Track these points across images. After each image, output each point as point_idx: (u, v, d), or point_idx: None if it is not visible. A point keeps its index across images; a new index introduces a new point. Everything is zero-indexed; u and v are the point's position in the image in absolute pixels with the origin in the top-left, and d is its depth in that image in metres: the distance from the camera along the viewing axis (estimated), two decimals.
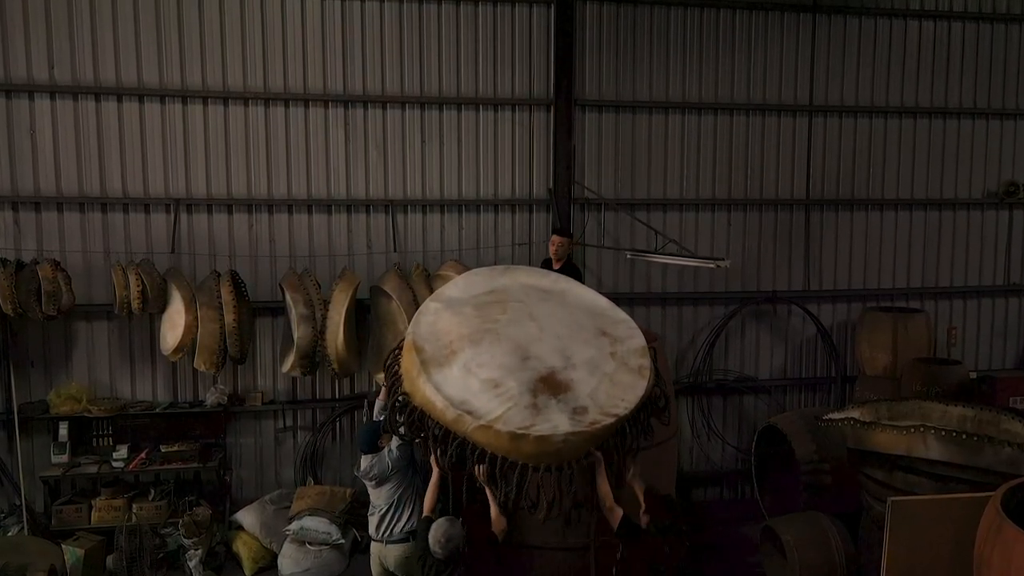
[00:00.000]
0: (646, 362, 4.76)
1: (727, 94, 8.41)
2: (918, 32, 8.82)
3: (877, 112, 8.78)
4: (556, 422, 4.28)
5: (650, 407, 4.71)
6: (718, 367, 8.67)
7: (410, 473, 5.46)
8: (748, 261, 8.59)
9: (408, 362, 4.60)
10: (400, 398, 4.60)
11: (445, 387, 4.42)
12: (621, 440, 4.46)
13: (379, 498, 5.44)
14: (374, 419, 5.62)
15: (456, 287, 5.23)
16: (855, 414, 6.40)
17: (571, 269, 7.00)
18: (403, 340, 4.84)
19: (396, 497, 5.41)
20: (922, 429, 5.77)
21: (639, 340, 4.88)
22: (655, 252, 7.06)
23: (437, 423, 4.39)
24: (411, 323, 4.90)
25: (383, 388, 5.65)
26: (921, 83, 8.86)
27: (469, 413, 4.28)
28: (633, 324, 5.04)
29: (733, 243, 8.57)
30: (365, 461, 5.40)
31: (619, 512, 4.48)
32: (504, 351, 4.65)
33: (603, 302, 5.21)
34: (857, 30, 8.65)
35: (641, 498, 4.69)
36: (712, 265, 6.10)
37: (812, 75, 8.58)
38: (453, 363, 4.55)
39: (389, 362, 4.92)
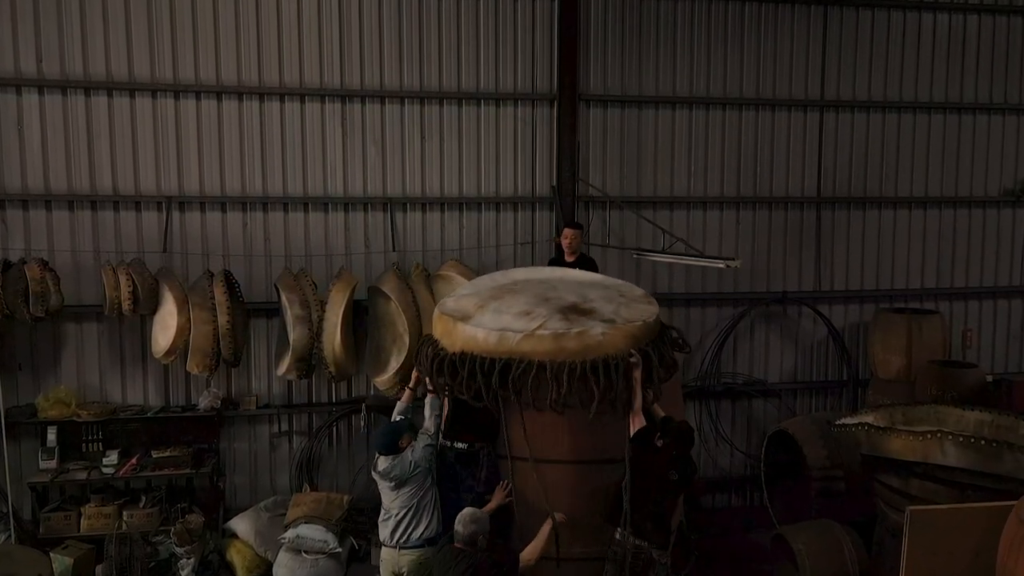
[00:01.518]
0: (653, 300, 5.57)
1: (736, 89, 8.36)
2: (932, 25, 8.75)
3: (890, 107, 8.71)
4: (592, 324, 4.98)
5: (668, 338, 5.35)
6: (726, 370, 8.62)
7: (430, 479, 5.37)
8: (757, 261, 8.54)
9: (442, 325, 5.29)
10: (440, 351, 5.15)
11: (482, 324, 5.08)
12: (653, 350, 5.02)
13: (394, 502, 5.33)
14: (394, 420, 5.59)
15: (463, 288, 5.90)
16: (869, 419, 6.41)
17: (586, 262, 6.99)
18: (428, 335, 5.59)
19: (415, 502, 5.30)
20: (939, 435, 5.74)
21: (640, 290, 5.74)
22: (662, 251, 6.98)
23: (479, 357, 4.92)
24: (436, 307, 5.58)
25: (406, 390, 5.69)
26: (936, 77, 8.80)
27: (510, 331, 4.92)
28: (631, 284, 5.83)
29: (742, 242, 8.52)
30: (385, 462, 5.31)
31: (642, 420, 4.92)
32: (526, 298, 5.43)
33: (599, 276, 6.04)
34: (870, 23, 8.59)
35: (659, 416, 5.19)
36: (722, 265, 6.03)
37: (823, 69, 8.53)
38: (484, 313, 5.26)
39: (420, 347, 5.42)
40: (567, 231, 7.09)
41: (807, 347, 8.81)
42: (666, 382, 5.25)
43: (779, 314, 8.73)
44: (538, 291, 5.56)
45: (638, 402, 4.93)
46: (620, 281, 5.96)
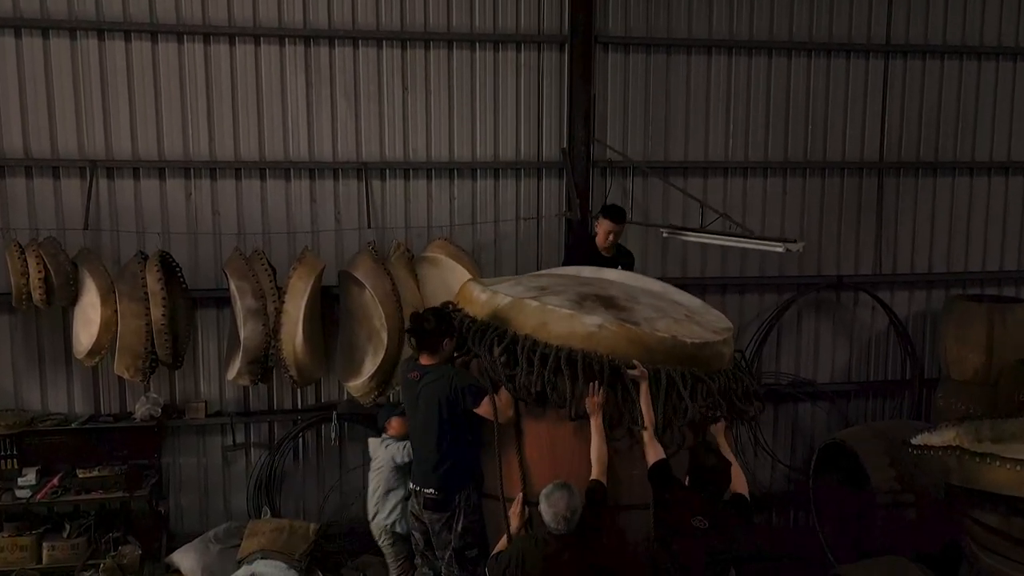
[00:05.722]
0: (723, 334, 5.01)
1: (784, 30, 7.74)
2: None
3: (969, 53, 8.08)
4: (597, 314, 4.68)
5: (731, 381, 4.88)
6: (768, 368, 8.07)
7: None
8: (808, 238, 7.87)
9: (461, 288, 5.43)
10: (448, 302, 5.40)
11: (489, 286, 5.11)
12: (670, 376, 4.57)
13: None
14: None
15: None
16: (950, 436, 5.88)
17: (625, 255, 6.60)
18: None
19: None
20: None
21: (724, 323, 5.26)
22: (700, 230, 6.15)
23: (462, 312, 5.06)
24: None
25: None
26: None
27: (503, 293, 4.90)
28: (721, 316, 5.42)
29: (789, 216, 7.95)
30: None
31: (658, 450, 4.48)
32: (564, 279, 5.37)
33: (696, 302, 5.60)
34: None
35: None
36: (780, 249, 5.17)
37: (890, 6, 7.88)
38: (507, 283, 5.30)
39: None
40: (607, 224, 6.38)
41: (864, 341, 8.28)
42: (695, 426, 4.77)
43: (832, 302, 8.17)
44: (588, 279, 5.46)
45: (649, 429, 4.50)
46: (715, 313, 5.49)
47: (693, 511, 4.25)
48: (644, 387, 4.54)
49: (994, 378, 7.36)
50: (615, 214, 6.43)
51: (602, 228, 6.37)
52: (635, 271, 6.55)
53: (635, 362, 4.52)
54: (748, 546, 7.30)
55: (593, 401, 4.47)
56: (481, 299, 4.95)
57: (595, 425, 4.47)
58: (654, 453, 4.46)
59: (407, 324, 5.20)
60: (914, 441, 5.80)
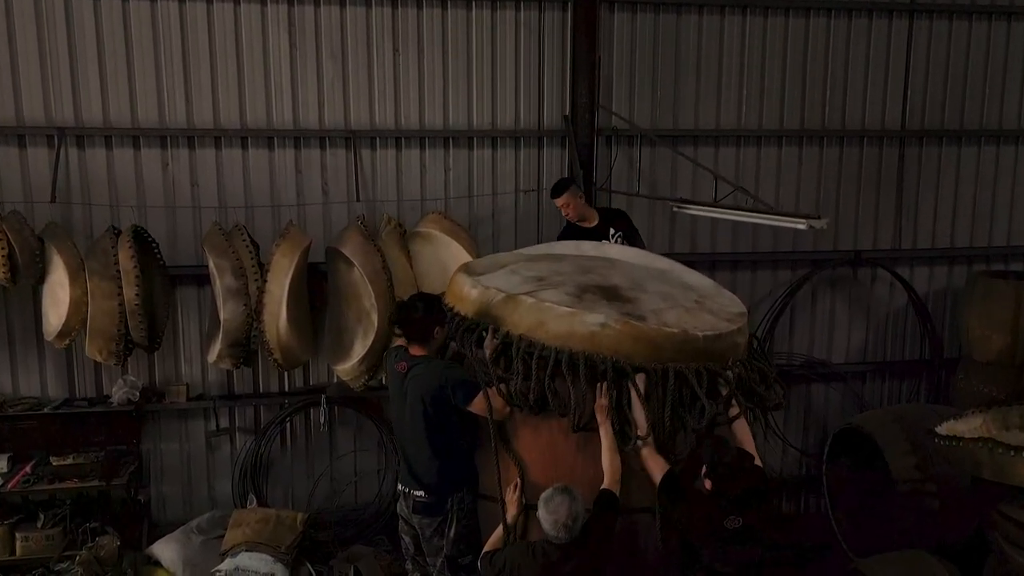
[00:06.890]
0: (742, 321, 4.70)
1: None
2: None
3: (998, 13, 7.71)
4: (599, 311, 4.38)
5: (748, 371, 4.58)
6: (781, 348, 7.81)
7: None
8: (824, 211, 7.59)
9: (452, 279, 5.08)
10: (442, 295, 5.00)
11: (480, 279, 4.79)
12: (695, 376, 4.26)
13: None
14: None
15: (533, 248, 5.86)
16: (977, 423, 5.64)
17: (613, 218, 6.38)
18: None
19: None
20: None
21: (738, 308, 4.95)
22: (712, 204, 5.79)
23: (453, 310, 4.74)
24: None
25: None
26: None
27: (496, 289, 4.60)
28: (734, 299, 5.11)
29: (805, 188, 7.65)
30: None
31: (658, 463, 4.16)
32: (562, 265, 5.11)
33: (706, 283, 5.32)
34: None
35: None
36: (802, 226, 4.81)
37: None
38: (498, 270, 5.05)
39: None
40: (556, 202, 6.36)
41: (881, 320, 8.04)
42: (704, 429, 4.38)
43: (848, 279, 7.91)
44: (589, 264, 5.14)
45: (648, 440, 4.17)
46: (727, 295, 5.18)
47: (723, 512, 3.95)
48: (635, 397, 4.25)
49: (1019, 359, 7.15)
50: (552, 191, 6.44)
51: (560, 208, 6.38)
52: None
53: (638, 378, 4.24)
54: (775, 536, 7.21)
55: (601, 404, 4.16)
56: (471, 295, 4.65)
57: (604, 431, 4.16)
58: (658, 467, 4.15)
59: (395, 310, 4.86)
60: (940, 430, 5.54)
